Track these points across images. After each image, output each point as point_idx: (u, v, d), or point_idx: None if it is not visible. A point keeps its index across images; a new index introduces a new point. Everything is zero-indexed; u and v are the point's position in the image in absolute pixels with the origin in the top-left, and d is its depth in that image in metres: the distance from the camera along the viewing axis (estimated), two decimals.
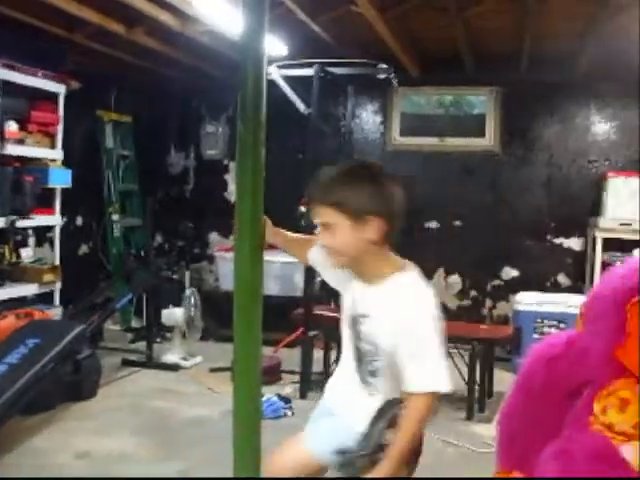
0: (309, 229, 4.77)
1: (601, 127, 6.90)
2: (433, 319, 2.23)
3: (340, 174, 2.34)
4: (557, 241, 6.99)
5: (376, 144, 7.34)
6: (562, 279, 6.99)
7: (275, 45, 5.46)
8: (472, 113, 7.61)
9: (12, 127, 5.28)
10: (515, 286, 6.84)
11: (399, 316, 2.17)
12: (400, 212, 2.42)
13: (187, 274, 6.94)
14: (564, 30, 5.71)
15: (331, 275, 2.49)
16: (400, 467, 2.17)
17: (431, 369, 2.15)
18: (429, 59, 6.70)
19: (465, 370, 4.92)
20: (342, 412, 2.50)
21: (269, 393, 4.87)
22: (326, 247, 2.27)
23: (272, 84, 5.12)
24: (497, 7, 5.19)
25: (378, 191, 2.28)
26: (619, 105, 6.83)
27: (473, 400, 4.89)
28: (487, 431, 4.60)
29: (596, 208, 6.62)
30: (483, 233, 7.01)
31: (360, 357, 2.35)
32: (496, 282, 7.10)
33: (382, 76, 5.45)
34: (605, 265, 6.33)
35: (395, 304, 2.20)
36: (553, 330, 6.02)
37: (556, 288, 6.92)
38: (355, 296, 2.33)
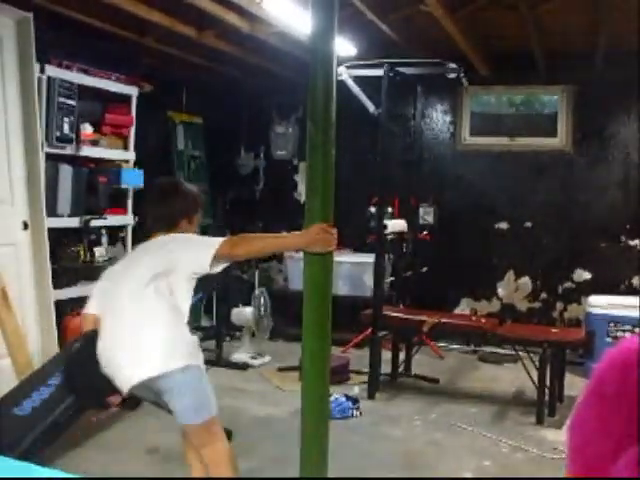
0: (377, 229, 4.80)
1: None
2: None
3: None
4: (632, 243, 6.81)
5: (446, 144, 7.28)
6: (636, 282, 6.81)
7: (344, 46, 5.47)
8: (543, 112, 7.48)
9: (87, 129, 5.40)
10: (587, 289, 6.69)
11: None
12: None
13: (256, 273, 7.00)
14: (637, 26, 5.58)
15: None
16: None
17: None
18: (499, 58, 6.61)
19: (535, 373, 4.85)
20: None
21: (337, 393, 4.87)
22: None
23: (341, 84, 5.13)
24: (569, 3, 5.10)
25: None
26: None
27: (543, 404, 4.81)
28: (557, 436, 4.52)
29: None
30: (554, 234, 6.88)
31: None
32: (568, 284, 6.96)
33: (451, 75, 5.41)
34: None
35: None
36: (627, 334, 5.89)
37: (630, 291, 6.75)
38: None
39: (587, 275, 6.90)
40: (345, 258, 6.70)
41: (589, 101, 6.79)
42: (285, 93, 7.34)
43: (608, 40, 5.78)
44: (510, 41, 6.12)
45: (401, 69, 5.36)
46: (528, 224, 7.03)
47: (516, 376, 5.69)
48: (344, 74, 5.34)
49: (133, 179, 5.84)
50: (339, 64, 5.21)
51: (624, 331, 5.88)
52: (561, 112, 6.98)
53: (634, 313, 5.87)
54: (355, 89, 5.43)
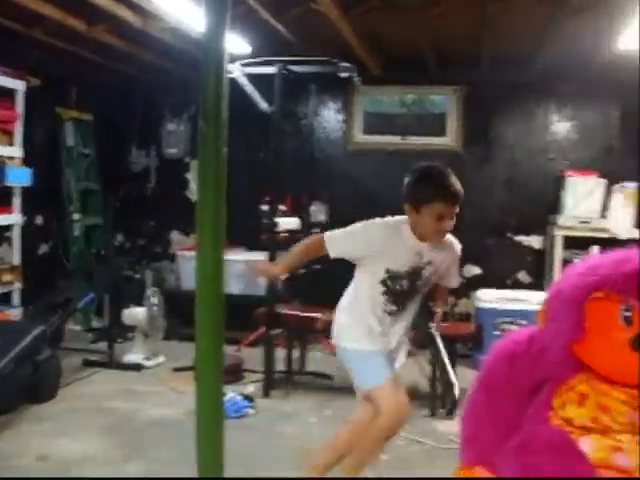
0: (270, 227, 4.79)
1: (560, 126, 6.99)
2: None
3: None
4: (518, 239, 7.06)
5: (338, 142, 7.35)
6: (522, 276, 7.07)
7: (238, 43, 5.45)
8: (434, 112, 7.65)
9: None
10: (477, 284, 6.89)
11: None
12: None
13: (148, 273, 6.88)
14: (523, 30, 5.78)
15: (365, 250, 3.27)
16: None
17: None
18: (392, 58, 6.73)
19: (428, 368, 4.96)
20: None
21: (232, 392, 4.85)
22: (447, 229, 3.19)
23: (234, 82, 5.10)
24: (458, 8, 5.23)
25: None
26: (577, 104, 6.94)
27: (436, 397, 4.92)
28: (450, 427, 4.64)
29: (555, 206, 6.71)
30: None
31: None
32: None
33: (344, 75, 5.45)
34: (565, 262, 6.42)
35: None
36: (514, 327, 6.09)
37: (517, 285, 7.00)
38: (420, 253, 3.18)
39: (477, 270, 7.10)
40: (238, 256, 6.68)
41: (477, 102, 7.00)
42: (177, 90, 7.26)
43: (495, 43, 5.97)
44: (402, 42, 6.23)
45: (294, 67, 5.37)
46: None
47: (409, 370, 5.79)
48: (237, 72, 5.31)
49: (20, 177, 5.66)
50: (233, 61, 5.19)
51: (511, 324, 6.08)
52: (451, 112, 7.16)
53: (520, 306, 6.08)
54: (248, 87, 5.40)
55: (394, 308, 3.24)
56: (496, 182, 7.05)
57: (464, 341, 6.08)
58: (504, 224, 7.04)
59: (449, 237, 3.31)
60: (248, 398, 4.86)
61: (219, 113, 1.89)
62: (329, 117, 7.36)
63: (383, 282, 3.20)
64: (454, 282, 3.49)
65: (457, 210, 3.21)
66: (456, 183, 3.24)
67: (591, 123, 6.93)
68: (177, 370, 5.67)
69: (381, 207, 7.02)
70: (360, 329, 3.28)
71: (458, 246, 3.38)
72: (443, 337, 5.01)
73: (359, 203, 7.17)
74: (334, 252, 3.34)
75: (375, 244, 3.20)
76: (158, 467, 3.81)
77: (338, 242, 3.32)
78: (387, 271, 3.17)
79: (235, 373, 5.51)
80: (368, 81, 6.50)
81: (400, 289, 3.19)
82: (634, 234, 6.25)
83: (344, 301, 3.53)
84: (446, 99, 7.25)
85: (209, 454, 2.04)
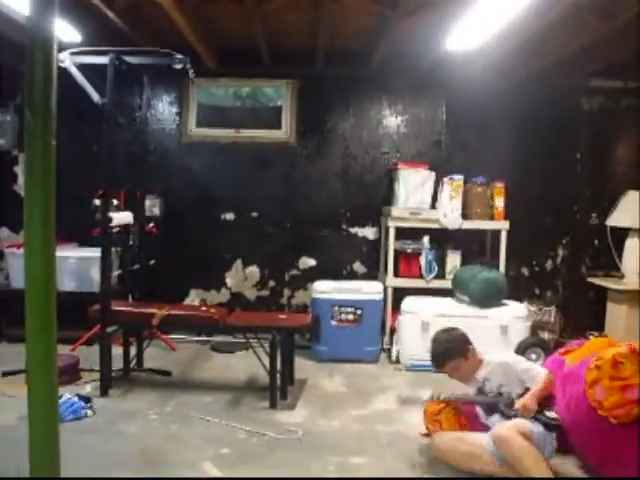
0: (102, 222, 4.67)
1: (392, 120, 7.22)
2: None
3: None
4: (353, 230, 7.23)
5: (172, 135, 7.24)
6: (358, 267, 7.24)
7: (68, 31, 5.25)
8: (268, 105, 7.69)
9: None
10: (313, 275, 7.00)
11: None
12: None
13: None
14: (358, 28, 5.93)
15: None
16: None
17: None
18: (226, 51, 6.72)
19: (267, 359, 4.99)
20: None
21: (68, 394, 4.69)
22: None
23: (64, 72, 4.91)
24: (293, 3, 5.28)
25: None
26: (408, 100, 7.19)
27: (275, 388, 4.96)
28: (290, 418, 4.70)
29: (389, 198, 6.93)
30: (280, 224, 7.13)
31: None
32: (294, 272, 7.24)
33: (178, 66, 5.37)
34: (398, 252, 6.64)
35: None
36: (350, 316, 6.24)
37: (352, 276, 7.17)
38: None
39: (312, 262, 7.21)
40: (70, 253, 6.45)
41: (312, 96, 7.11)
42: (1, 77, 6.87)
43: (330, 39, 6.08)
44: (237, 35, 6.23)
45: (127, 58, 5.23)
46: (254, 214, 7.21)
47: (248, 363, 5.82)
48: (67, 61, 5.11)
49: None
50: (62, 50, 4.99)
51: (348, 313, 6.23)
52: (285, 105, 7.22)
53: (355, 296, 6.24)
54: (79, 77, 5.21)
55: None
56: (331, 175, 7.18)
57: (301, 332, 6.16)
58: (339, 216, 7.19)
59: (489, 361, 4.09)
60: (85, 399, 4.71)
61: (47, 104, 1.81)
62: (163, 109, 7.23)
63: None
64: (531, 384, 3.91)
65: (451, 371, 4.08)
66: (436, 349, 4.12)
67: (421, 118, 7.21)
68: (7, 374, 5.40)
69: (215, 199, 7.09)
70: None
71: (498, 360, 4.07)
72: (279, 328, 5.07)
73: (193, 196, 7.12)
74: None
75: None
76: None
77: None
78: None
79: (71, 373, 5.32)
80: (202, 73, 6.45)
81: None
82: (461, 224, 6.56)
83: None
84: (280, 92, 7.31)
85: (44, 460, 1.96)
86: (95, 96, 5.22)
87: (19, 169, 7.14)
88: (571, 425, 3.89)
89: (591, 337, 4.33)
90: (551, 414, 3.81)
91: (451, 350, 4.03)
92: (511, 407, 3.85)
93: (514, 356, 4.28)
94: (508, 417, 3.80)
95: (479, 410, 4.04)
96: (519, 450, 3.53)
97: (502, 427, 3.69)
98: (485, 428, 3.90)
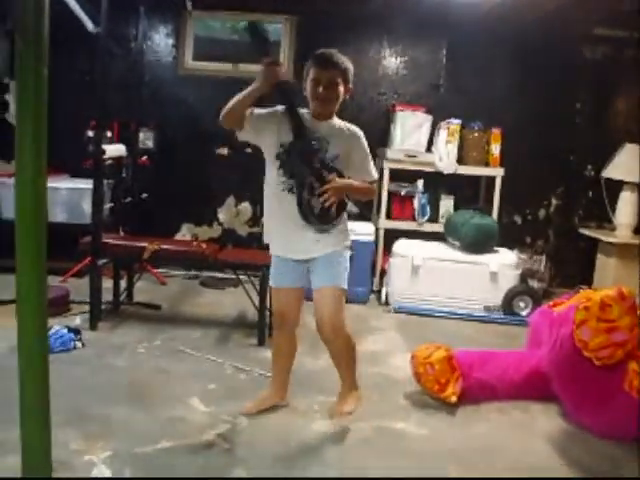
0: (95, 153, 4.62)
1: (391, 61, 7.13)
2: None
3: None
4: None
5: (168, 67, 7.14)
6: (350, 207, 7.17)
7: None
8: None
9: None
10: None
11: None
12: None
13: None
14: None
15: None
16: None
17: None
18: None
19: (256, 297, 5.01)
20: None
21: (57, 325, 4.70)
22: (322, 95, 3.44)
23: None
24: None
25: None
26: (409, 42, 7.08)
27: (264, 326, 4.99)
28: None
29: (384, 139, 6.87)
30: None
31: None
32: None
33: None
34: (392, 194, 6.63)
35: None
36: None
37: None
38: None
39: None
40: (62, 184, 6.41)
41: (311, 33, 6.98)
42: None
43: None
44: None
45: None
46: (248, 150, 7.14)
47: (238, 300, 5.84)
48: None
49: None
50: None
51: None
52: (284, 41, 7.11)
53: (350, 237, 6.23)
54: (72, 4, 5.10)
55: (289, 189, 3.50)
56: None
57: None
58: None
59: (350, 125, 3.57)
60: (75, 331, 4.72)
61: (39, 31, 1.76)
62: (159, 41, 7.11)
63: (277, 156, 3.52)
64: (363, 173, 3.55)
65: (337, 82, 3.44)
66: (335, 54, 3.50)
67: (421, 61, 7.12)
68: None
69: (210, 134, 7.03)
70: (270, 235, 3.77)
71: (360, 135, 3.57)
72: (269, 266, 5.06)
73: (188, 130, 7.05)
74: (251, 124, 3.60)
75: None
76: None
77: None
78: (280, 145, 3.48)
79: (60, 305, 5.33)
80: (200, 5, 6.34)
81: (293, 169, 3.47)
82: (456, 169, 6.54)
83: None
84: (280, 27, 7.19)
85: (33, 391, 1.96)
86: (89, 24, 5.12)
87: (10, 97, 7.03)
88: (554, 367, 3.95)
89: (581, 291, 4.36)
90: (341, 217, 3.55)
91: (348, 68, 3.50)
92: (320, 180, 3.39)
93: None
94: (311, 195, 3.40)
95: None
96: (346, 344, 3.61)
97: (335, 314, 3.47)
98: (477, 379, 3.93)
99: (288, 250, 3.60)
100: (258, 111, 3.54)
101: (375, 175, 3.62)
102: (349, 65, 3.51)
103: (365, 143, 3.56)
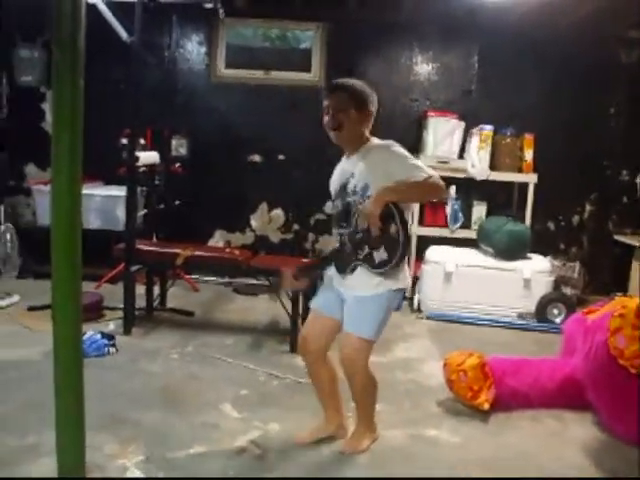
0: (129, 161, 4.67)
1: (423, 68, 7.11)
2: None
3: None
4: None
5: (201, 75, 7.18)
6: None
7: None
8: (298, 47, 7.60)
9: None
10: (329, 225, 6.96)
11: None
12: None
13: (1, 209, 6.58)
14: None
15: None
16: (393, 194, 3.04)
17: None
18: None
19: (289, 304, 5.02)
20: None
21: (92, 330, 4.75)
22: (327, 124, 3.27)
23: (92, 9, 4.88)
24: None
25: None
26: (440, 48, 7.06)
27: (297, 332, 4.98)
28: None
29: (416, 146, 6.85)
30: (306, 167, 7.06)
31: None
32: (319, 216, 7.22)
33: (208, 6, 5.31)
34: None
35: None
36: None
37: None
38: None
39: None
40: (96, 191, 6.48)
41: (342, 40, 6.99)
42: (29, 12, 6.81)
43: None
44: None
45: None
46: (281, 157, 7.17)
47: (270, 306, 5.86)
48: None
49: None
50: None
51: None
52: (315, 48, 7.13)
53: None
54: (107, 14, 5.17)
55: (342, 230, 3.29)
56: None
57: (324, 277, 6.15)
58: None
59: (376, 141, 3.31)
60: (109, 336, 4.77)
61: (76, 41, 1.79)
62: (192, 49, 7.16)
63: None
64: (414, 177, 3.07)
65: (343, 107, 3.21)
66: (345, 80, 3.29)
67: (452, 66, 7.09)
68: (33, 309, 5.48)
69: (242, 141, 7.05)
70: None
71: (388, 146, 3.21)
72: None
73: (221, 137, 7.09)
74: None
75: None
76: (17, 410, 3.68)
77: None
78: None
79: (95, 311, 5.39)
80: (232, 13, 6.38)
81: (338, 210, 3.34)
82: (489, 175, 6.50)
83: None
84: (311, 35, 7.21)
85: (68, 395, 1.99)
86: (123, 34, 5.19)
87: (47, 106, 7.13)
88: (588, 375, 3.90)
89: (616, 298, 4.30)
90: (382, 255, 3.10)
91: (356, 90, 3.25)
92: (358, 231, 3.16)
93: (403, 150, 3.21)
94: (355, 242, 3.18)
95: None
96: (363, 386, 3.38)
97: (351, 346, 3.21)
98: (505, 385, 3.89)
99: (335, 280, 3.35)
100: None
101: (425, 172, 3.08)
102: (360, 88, 3.26)
103: (397, 150, 3.17)
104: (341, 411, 3.59)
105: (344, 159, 3.42)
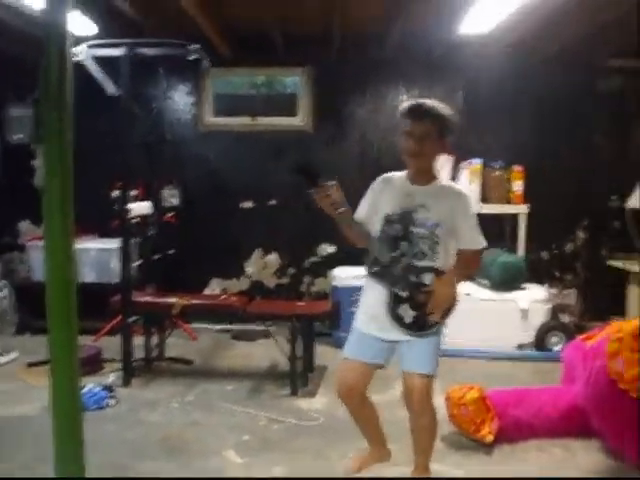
0: (121, 213, 4.69)
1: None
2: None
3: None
4: None
5: (189, 125, 7.25)
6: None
7: (84, 23, 5.27)
8: (284, 92, 7.68)
9: None
10: (332, 262, 6.99)
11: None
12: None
13: None
14: (372, 13, 5.91)
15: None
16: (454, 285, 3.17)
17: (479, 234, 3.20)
18: (241, 40, 6.71)
19: (287, 347, 5.01)
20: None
21: (91, 383, 4.74)
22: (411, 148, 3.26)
23: (79, 65, 4.94)
24: None
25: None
26: (425, 85, 7.13)
27: (296, 376, 4.99)
28: (311, 404, 4.72)
29: None
30: (298, 211, 7.08)
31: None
32: (314, 259, 7.24)
33: (193, 57, 5.38)
34: None
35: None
36: None
37: None
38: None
39: (331, 249, 7.20)
40: (90, 244, 6.50)
41: (327, 82, 7.08)
42: (19, 72, 6.88)
43: (344, 25, 6.08)
44: (249, 23, 6.23)
45: (142, 49, 5.24)
46: (272, 202, 7.20)
47: (269, 351, 5.85)
48: (84, 53, 5.13)
49: None
50: (78, 43, 5.01)
51: None
52: (301, 93, 7.21)
53: None
54: (94, 69, 5.23)
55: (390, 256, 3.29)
56: (348, 161, 7.16)
57: (322, 320, 6.15)
58: (357, 202, 7.15)
59: (452, 185, 3.32)
60: (108, 388, 4.76)
61: (63, 97, 1.82)
62: (179, 100, 7.24)
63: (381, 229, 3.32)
64: (471, 243, 3.20)
65: (431, 135, 3.19)
66: (430, 103, 3.25)
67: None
68: (32, 365, 5.47)
69: (233, 188, 7.09)
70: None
71: (464, 197, 3.23)
72: (299, 316, 5.09)
73: (211, 185, 7.13)
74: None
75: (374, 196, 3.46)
76: (20, 467, 3.66)
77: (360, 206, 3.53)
78: (385, 217, 3.30)
79: (93, 364, 5.38)
80: (218, 63, 6.45)
81: (394, 233, 3.26)
82: (480, 208, 6.54)
83: None
84: (296, 80, 7.29)
85: (67, 449, 1.98)
86: (110, 88, 5.24)
87: (36, 163, 7.15)
88: (590, 402, 3.89)
89: (612, 322, 4.32)
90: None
91: (446, 119, 3.25)
92: (420, 290, 3.20)
93: (472, 206, 3.27)
94: (415, 307, 3.23)
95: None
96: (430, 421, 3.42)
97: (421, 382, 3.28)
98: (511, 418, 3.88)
99: (372, 329, 3.33)
100: (361, 210, 3.59)
101: (483, 242, 3.21)
102: (448, 116, 3.24)
103: (471, 205, 3.22)
104: (385, 444, 3.68)
105: (406, 182, 3.40)
